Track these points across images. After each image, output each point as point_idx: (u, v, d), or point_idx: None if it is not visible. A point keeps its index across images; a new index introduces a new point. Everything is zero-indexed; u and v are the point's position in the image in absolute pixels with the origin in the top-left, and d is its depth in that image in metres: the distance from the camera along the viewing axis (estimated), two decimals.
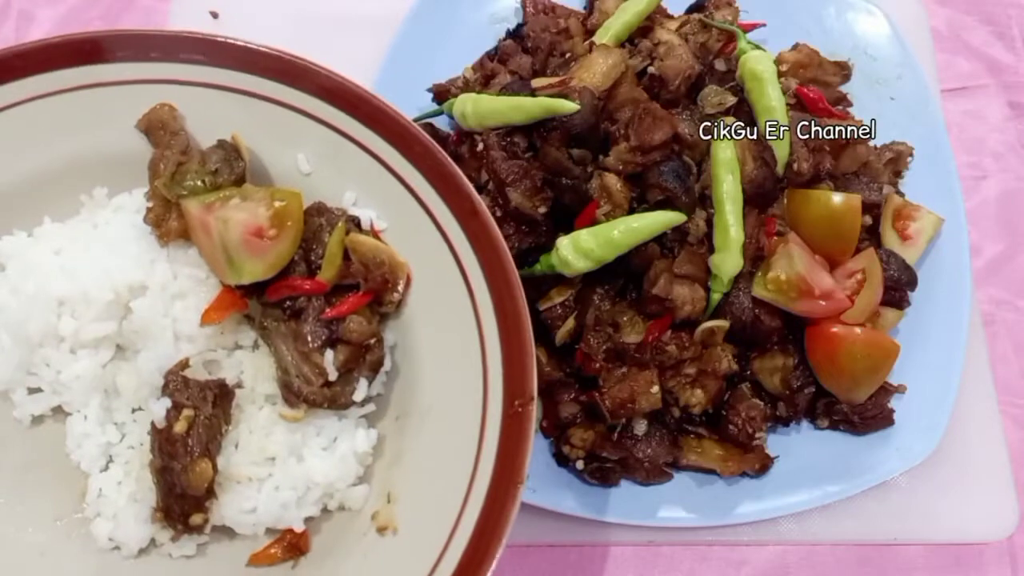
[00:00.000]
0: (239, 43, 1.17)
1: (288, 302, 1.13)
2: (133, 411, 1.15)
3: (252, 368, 1.15)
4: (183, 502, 1.06)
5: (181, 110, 1.19)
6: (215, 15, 1.70)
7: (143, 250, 1.15)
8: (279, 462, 1.11)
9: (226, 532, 1.13)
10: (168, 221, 1.14)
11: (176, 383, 1.08)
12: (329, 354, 1.10)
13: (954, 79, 1.76)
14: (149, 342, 1.12)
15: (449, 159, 1.12)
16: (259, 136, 1.19)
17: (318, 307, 1.12)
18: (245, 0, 1.72)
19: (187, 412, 1.06)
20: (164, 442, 1.06)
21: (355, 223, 1.17)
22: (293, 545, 1.11)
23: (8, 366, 1.13)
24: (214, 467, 1.06)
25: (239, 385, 1.14)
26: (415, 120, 1.42)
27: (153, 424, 1.08)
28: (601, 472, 1.31)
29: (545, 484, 1.32)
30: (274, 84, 1.16)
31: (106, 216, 1.20)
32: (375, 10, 1.62)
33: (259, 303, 1.15)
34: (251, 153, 1.19)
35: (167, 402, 1.07)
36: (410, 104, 1.49)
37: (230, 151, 1.17)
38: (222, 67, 1.17)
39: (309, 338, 1.10)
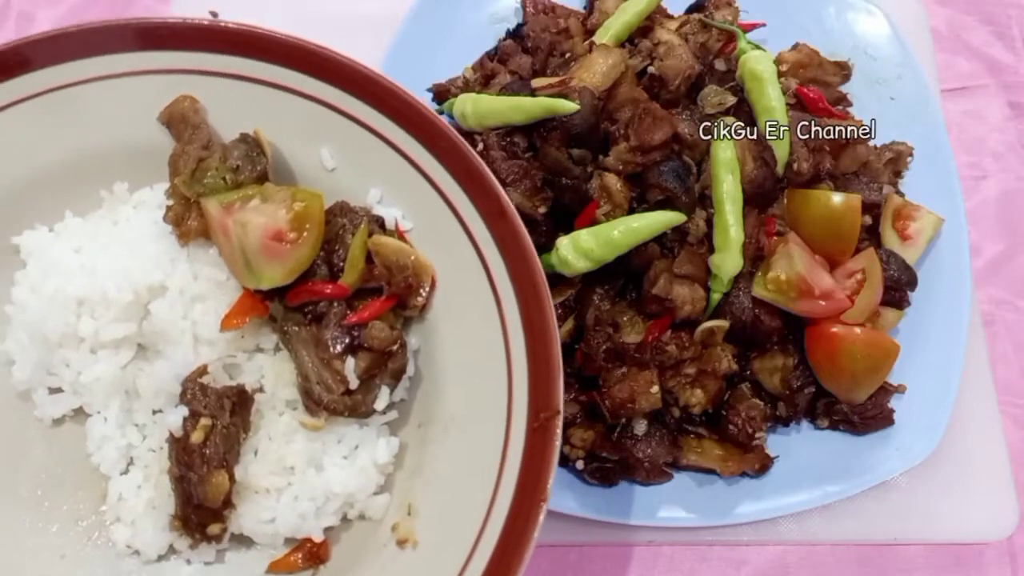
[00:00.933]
0: (263, 32, 1.13)
1: (309, 307, 1.09)
2: (153, 413, 1.13)
3: (273, 373, 1.12)
4: (200, 512, 1.05)
5: (204, 102, 1.15)
6: (215, 15, 1.69)
7: (163, 250, 1.12)
8: (298, 472, 1.08)
9: (245, 540, 1.11)
10: (188, 220, 1.11)
11: (193, 391, 1.05)
12: (350, 361, 1.06)
13: (954, 79, 1.76)
14: (167, 346, 1.10)
15: (477, 156, 1.08)
16: (283, 130, 1.15)
17: (340, 312, 1.08)
18: (245, 0, 1.72)
19: (204, 421, 1.03)
20: (181, 452, 1.03)
21: (379, 224, 1.13)
22: (313, 554, 1.09)
23: (27, 365, 1.12)
24: (231, 478, 1.04)
25: (259, 390, 1.11)
26: None
27: (171, 433, 1.05)
28: (601, 472, 1.31)
29: None
30: (299, 75, 1.12)
31: (127, 212, 1.18)
32: (375, 10, 1.62)
33: (280, 305, 1.12)
34: (274, 148, 1.15)
35: (184, 411, 1.05)
36: None
37: (252, 146, 1.13)
38: (245, 57, 1.13)
39: (330, 344, 1.06)
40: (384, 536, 1.07)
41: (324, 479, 1.07)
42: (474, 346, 1.06)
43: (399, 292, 1.09)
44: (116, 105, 1.15)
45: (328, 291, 1.08)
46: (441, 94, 1.51)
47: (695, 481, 1.34)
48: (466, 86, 1.48)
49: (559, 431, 0.95)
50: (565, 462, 1.33)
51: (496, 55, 1.55)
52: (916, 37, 1.70)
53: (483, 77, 1.49)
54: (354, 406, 1.06)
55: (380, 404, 1.09)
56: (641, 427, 1.30)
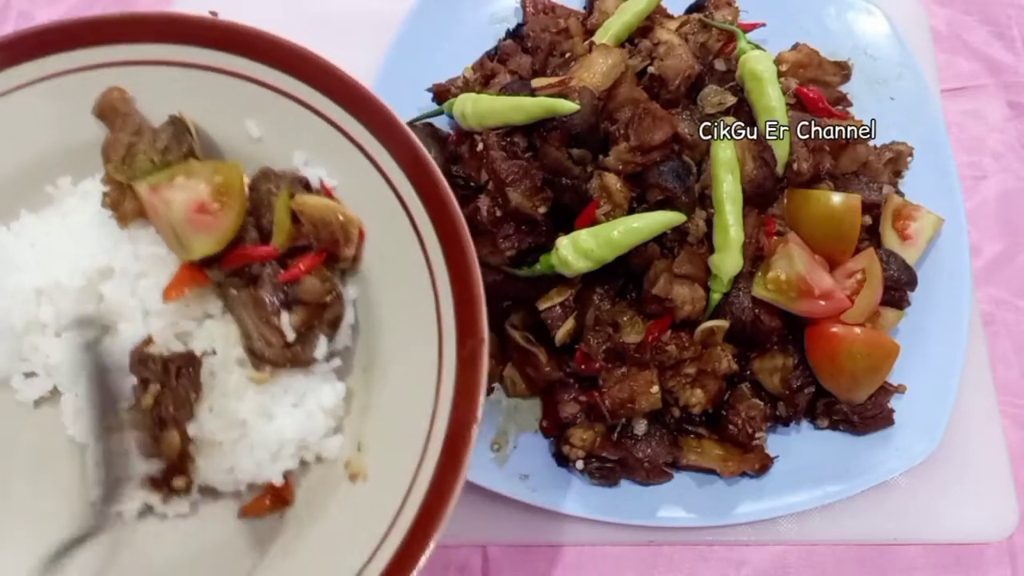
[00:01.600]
0: (181, 16, 1.19)
1: (245, 270, 1.16)
2: None
3: (222, 336, 1.18)
4: (163, 469, 1.12)
5: (133, 91, 1.21)
6: (215, 15, 1.70)
7: (106, 234, 1.19)
8: (251, 423, 1.15)
9: (212, 492, 1.19)
10: (125, 204, 1.18)
11: (139, 361, 1.12)
12: (286, 316, 1.13)
13: (954, 79, 1.76)
14: (122, 322, 1.17)
15: (390, 109, 1.13)
16: (209, 107, 1.21)
17: (272, 271, 1.15)
18: (245, 0, 1.72)
19: (152, 387, 1.11)
20: (135, 416, 1.11)
21: (303, 184, 1.19)
22: (278, 496, 1.16)
23: (2, 357, 1.19)
24: (183, 435, 1.11)
25: (212, 353, 1.17)
26: (415, 120, 1.44)
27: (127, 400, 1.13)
28: (601, 472, 1.31)
29: (545, 484, 1.32)
30: (219, 54, 1.18)
31: (74, 204, 1.24)
32: (375, 10, 1.61)
33: (220, 272, 1.18)
34: (200, 126, 1.22)
35: (130, 380, 1.12)
36: (410, 104, 1.49)
37: (179, 127, 1.19)
38: (164, 42, 1.19)
39: (267, 302, 1.13)
40: (339, 473, 1.15)
41: (275, 427, 1.14)
42: (405, 290, 1.13)
43: (327, 247, 1.16)
44: (53, 105, 1.21)
45: (259, 253, 1.15)
46: (441, 94, 1.51)
47: (695, 481, 1.34)
48: (466, 86, 1.48)
49: (485, 356, 1.02)
50: (565, 462, 1.33)
51: (496, 55, 1.55)
52: (916, 37, 1.69)
53: (483, 77, 1.49)
54: (294, 357, 1.13)
55: (319, 353, 1.15)
56: (641, 427, 1.30)
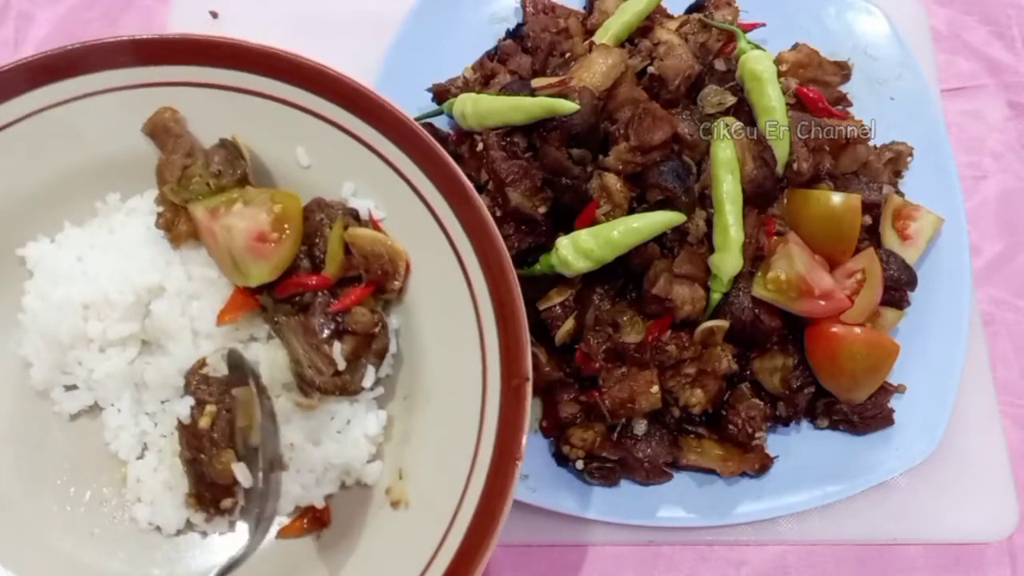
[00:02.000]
0: (234, 42, 1.21)
1: (296, 297, 1.18)
2: (162, 402, 1.22)
3: (267, 359, 1.20)
4: (213, 489, 1.14)
5: (183, 112, 1.23)
6: (215, 15, 1.70)
7: (157, 253, 1.22)
8: (297, 448, 1.17)
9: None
10: (178, 225, 1.20)
11: (197, 382, 1.15)
12: (337, 345, 1.15)
13: (954, 79, 1.76)
14: (169, 341, 1.19)
15: (438, 144, 1.16)
16: (259, 133, 1.23)
17: (324, 301, 1.17)
18: (245, 0, 1.72)
19: (209, 408, 1.14)
20: (191, 437, 1.14)
21: (354, 215, 1.21)
22: (317, 519, 1.18)
23: (44, 367, 1.22)
24: (238, 457, 1.14)
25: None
26: (415, 120, 1.44)
27: (179, 420, 1.15)
28: (601, 472, 1.31)
29: (545, 484, 1.32)
30: (270, 81, 1.20)
31: (120, 220, 1.27)
32: (375, 10, 1.62)
33: (269, 297, 1.20)
34: (252, 150, 1.23)
35: (190, 400, 1.15)
36: (410, 104, 1.48)
37: (231, 150, 1.21)
38: (218, 67, 1.21)
39: (318, 331, 1.15)
40: (379, 499, 1.17)
41: (322, 452, 1.17)
42: (449, 322, 1.15)
43: (377, 279, 1.18)
44: (102, 120, 1.23)
45: (312, 283, 1.17)
46: (441, 94, 1.51)
47: (695, 481, 1.34)
48: (466, 86, 1.48)
49: (529, 395, 1.06)
50: (565, 462, 1.33)
51: (496, 55, 1.55)
52: (916, 37, 1.69)
53: (483, 77, 1.49)
54: (344, 385, 1.15)
55: (367, 382, 1.17)
56: (641, 427, 1.30)
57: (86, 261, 1.22)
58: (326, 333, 1.15)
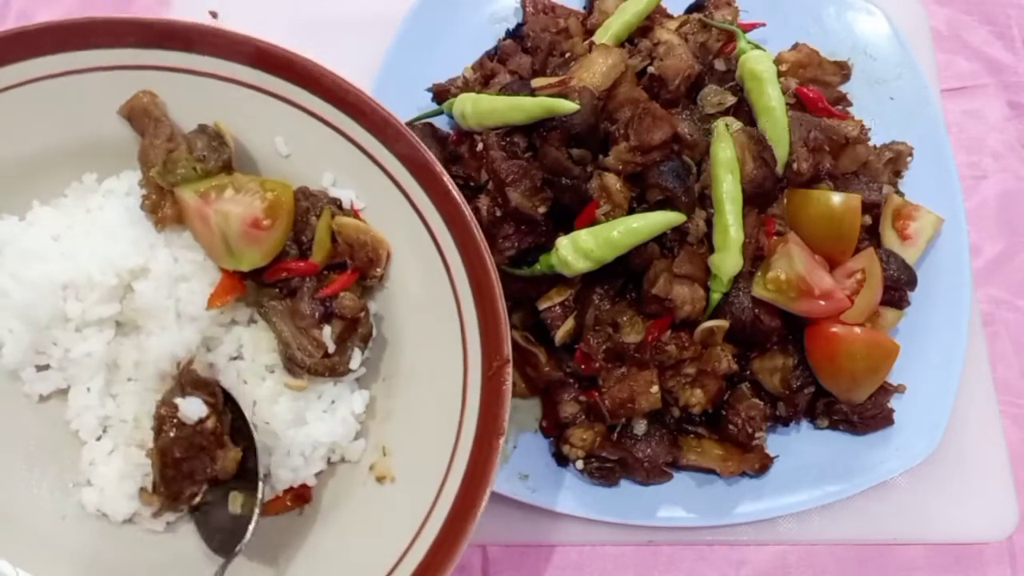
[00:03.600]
0: (214, 28, 1.22)
1: (283, 282, 1.23)
2: (128, 381, 1.22)
3: (251, 342, 1.24)
4: (183, 484, 1.15)
5: (160, 96, 1.24)
6: (214, 15, 1.70)
7: (140, 235, 1.22)
8: (286, 428, 1.20)
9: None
10: (164, 208, 1.22)
11: (197, 386, 1.16)
12: (327, 329, 1.20)
13: (954, 79, 1.76)
14: (150, 322, 1.20)
15: (417, 138, 1.19)
16: (238, 121, 1.25)
17: (312, 286, 1.22)
18: (245, 0, 1.72)
19: (214, 408, 1.16)
20: (195, 435, 1.14)
21: (337, 205, 1.25)
22: (299, 495, 1.22)
23: (19, 348, 1.20)
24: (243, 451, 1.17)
25: (239, 358, 1.23)
26: (415, 120, 1.44)
27: (162, 419, 1.14)
28: (601, 472, 1.31)
29: (545, 484, 1.32)
30: (250, 70, 1.22)
31: (97, 201, 1.26)
32: (375, 10, 1.61)
33: (255, 283, 1.24)
34: (232, 137, 1.24)
35: (197, 402, 1.15)
36: (410, 104, 1.49)
37: (213, 136, 1.23)
38: (195, 52, 1.22)
39: (307, 315, 1.20)
40: (363, 475, 1.21)
41: (309, 431, 1.21)
42: (429, 307, 1.20)
43: (361, 266, 1.23)
44: (77, 100, 1.23)
45: (301, 268, 1.22)
46: (441, 94, 1.51)
47: (695, 481, 1.34)
48: (466, 86, 1.48)
49: (509, 375, 1.11)
50: (565, 462, 1.33)
51: (496, 55, 1.55)
52: (916, 37, 1.69)
53: (483, 77, 1.49)
54: (333, 367, 1.20)
55: (355, 364, 1.22)
56: (641, 427, 1.30)
57: (63, 241, 1.22)
58: (315, 317, 1.19)
